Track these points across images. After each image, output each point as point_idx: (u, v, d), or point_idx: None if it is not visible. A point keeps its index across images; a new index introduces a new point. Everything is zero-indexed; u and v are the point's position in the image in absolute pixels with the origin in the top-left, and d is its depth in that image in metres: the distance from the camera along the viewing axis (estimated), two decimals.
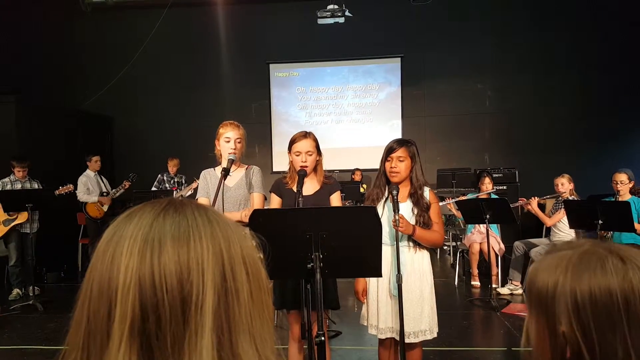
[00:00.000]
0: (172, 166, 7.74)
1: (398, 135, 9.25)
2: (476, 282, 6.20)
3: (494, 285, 5.73)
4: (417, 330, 2.74)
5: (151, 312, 0.56)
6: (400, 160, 2.76)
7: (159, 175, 7.75)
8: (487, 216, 5.32)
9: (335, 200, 3.01)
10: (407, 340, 2.68)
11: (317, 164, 3.00)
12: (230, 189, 3.11)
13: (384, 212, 2.77)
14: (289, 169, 3.02)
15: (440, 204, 5.39)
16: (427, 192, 2.83)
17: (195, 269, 0.58)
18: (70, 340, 0.59)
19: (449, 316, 4.85)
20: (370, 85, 9.76)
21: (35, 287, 5.93)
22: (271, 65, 9.81)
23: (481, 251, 6.13)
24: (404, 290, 2.63)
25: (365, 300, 2.86)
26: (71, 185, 6.37)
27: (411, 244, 2.78)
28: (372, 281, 2.81)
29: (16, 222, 5.94)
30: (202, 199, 3.13)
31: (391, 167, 2.77)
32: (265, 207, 3.12)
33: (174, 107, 9.71)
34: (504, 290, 5.85)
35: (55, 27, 9.10)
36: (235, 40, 9.55)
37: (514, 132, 9.25)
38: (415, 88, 9.57)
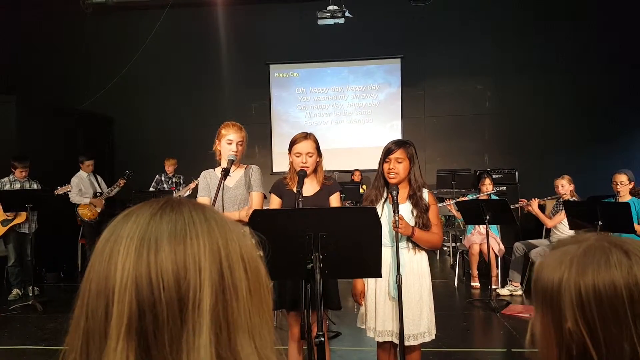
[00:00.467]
0: (169, 166, 7.73)
1: (398, 135, 9.26)
2: (476, 283, 6.19)
3: (493, 286, 5.73)
4: (415, 332, 2.73)
5: (148, 310, 0.56)
6: (399, 162, 2.76)
7: (157, 176, 7.74)
8: (487, 217, 5.31)
9: (335, 201, 3.02)
10: (407, 343, 2.67)
11: (317, 165, 3.00)
12: (230, 188, 3.12)
13: (383, 213, 2.77)
14: (289, 169, 3.02)
15: (440, 204, 5.41)
16: (426, 194, 2.83)
17: (192, 267, 0.58)
18: (69, 340, 0.59)
19: (448, 317, 4.84)
20: (370, 86, 9.77)
21: (35, 287, 5.92)
22: (271, 66, 9.81)
23: (481, 252, 6.12)
24: (403, 292, 2.62)
25: (363, 302, 2.85)
26: (69, 185, 6.37)
27: (410, 245, 2.78)
28: (370, 283, 2.81)
29: (15, 222, 5.94)
30: (203, 199, 3.13)
31: (389, 169, 2.76)
32: (265, 207, 3.12)
33: (174, 107, 9.71)
34: (504, 291, 5.85)
35: (55, 27, 9.11)
36: (235, 40, 9.55)
37: (514, 132, 9.25)
38: (415, 89, 9.57)
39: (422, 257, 2.83)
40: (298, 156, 2.92)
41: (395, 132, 9.49)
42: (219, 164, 3.22)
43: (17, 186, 6.03)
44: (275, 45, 9.59)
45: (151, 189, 7.58)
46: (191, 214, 0.62)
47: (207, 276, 0.58)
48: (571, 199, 5.74)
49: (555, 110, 9.12)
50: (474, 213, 5.50)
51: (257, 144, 9.41)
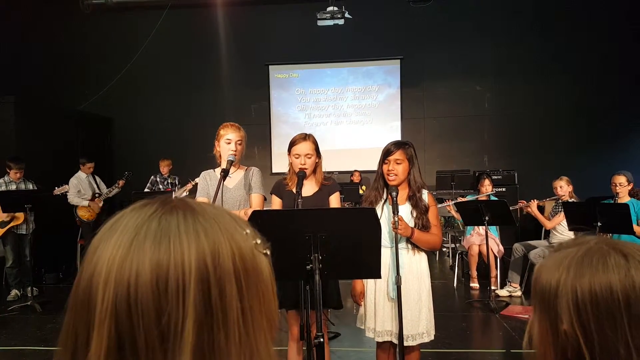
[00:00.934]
0: (164, 167, 7.70)
1: (397, 136, 9.26)
2: (475, 284, 6.20)
3: (492, 287, 5.73)
4: (415, 333, 2.74)
5: (126, 319, 0.52)
6: (398, 163, 2.76)
7: (152, 177, 7.72)
8: (486, 218, 5.32)
9: (334, 201, 3.02)
10: (405, 343, 2.68)
11: (317, 166, 3.00)
12: (229, 190, 3.11)
13: (383, 214, 2.77)
14: (289, 170, 3.02)
15: (440, 205, 5.41)
16: (425, 195, 2.83)
17: (173, 290, 0.53)
18: (61, 341, 0.58)
19: (447, 318, 4.84)
20: (370, 87, 9.77)
21: (34, 288, 5.92)
22: (271, 67, 9.81)
23: (480, 253, 6.13)
24: (402, 293, 2.63)
25: (362, 303, 2.85)
26: (66, 186, 6.36)
27: (409, 246, 2.78)
28: (369, 284, 2.81)
29: (13, 223, 5.94)
30: (201, 199, 3.13)
31: (388, 170, 2.77)
32: (265, 208, 3.12)
33: (174, 108, 9.71)
34: (503, 292, 5.85)
35: (55, 28, 9.10)
36: (235, 41, 9.55)
37: (513, 134, 9.26)
38: (414, 90, 9.58)
39: (422, 258, 2.83)
40: (297, 157, 2.93)
41: (394, 133, 9.50)
42: (219, 165, 3.22)
43: (13, 187, 6.02)
44: (275, 46, 9.59)
45: (146, 190, 7.56)
46: (178, 230, 0.56)
47: (191, 302, 0.53)
48: (570, 200, 5.75)
49: (554, 111, 9.12)
50: (473, 214, 5.51)
51: (257, 145, 9.41)
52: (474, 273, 6.24)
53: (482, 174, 6.90)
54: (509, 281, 5.95)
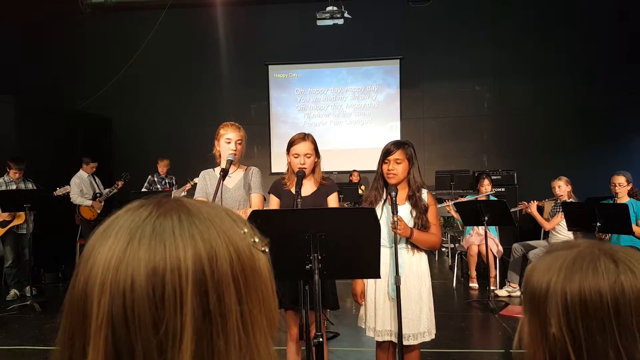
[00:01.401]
0: (162, 167, 7.70)
1: (397, 136, 9.26)
2: (474, 284, 6.20)
3: (492, 287, 5.72)
4: (415, 332, 2.74)
5: (122, 320, 0.51)
6: (398, 162, 2.76)
7: (149, 177, 7.72)
8: (486, 218, 5.32)
9: (333, 201, 3.02)
10: (406, 342, 2.68)
11: (315, 166, 3.00)
12: (229, 189, 3.11)
13: (383, 214, 2.77)
14: (287, 170, 3.02)
15: (439, 206, 5.41)
16: (425, 195, 2.83)
17: (170, 297, 0.52)
18: (58, 341, 0.57)
19: (447, 318, 4.85)
20: (369, 87, 9.77)
21: (33, 288, 5.92)
22: (270, 67, 9.81)
23: (479, 253, 6.13)
24: (402, 292, 2.63)
25: (363, 302, 2.86)
26: (68, 187, 6.36)
27: (409, 246, 2.79)
28: (370, 283, 2.81)
29: (13, 224, 5.94)
30: (200, 199, 3.12)
31: (388, 169, 2.77)
32: (265, 208, 3.12)
33: (173, 107, 9.71)
34: (502, 292, 5.85)
35: (53, 27, 9.09)
36: (234, 41, 9.55)
37: (513, 134, 9.26)
38: (414, 90, 9.58)
39: (422, 258, 2.83)
40: (296, 157, 2.92)
41: (394, 133, 9.50)
42: (219, 165, 3.22)
43: (13, 187, 6.02)
44: (275, 46, 9.59)
45: (144, 190, 7.56)
46: (173, 235, 0.54)
47: (189, 310, 0.52)
48: (569, 200, 5.75)
49: (554, 111, 9.13)
50: (473, 214, 5.51)
51: (256, 145, 9.41)
52: (473, 273, 6.24)
53: (481, 174, 6.90)
54: (508, 281, 5.95)
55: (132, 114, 9.66)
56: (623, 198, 5.18)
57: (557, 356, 0.79)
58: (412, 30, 9.33)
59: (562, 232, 5.72)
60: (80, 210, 6.94)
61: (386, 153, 2.80)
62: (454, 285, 6.37)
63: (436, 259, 7.99)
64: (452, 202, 6.49)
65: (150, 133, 9.51)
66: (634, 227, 4.79)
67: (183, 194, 6.84)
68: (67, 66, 9.43)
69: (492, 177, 6.92)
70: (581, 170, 7.90)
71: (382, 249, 2.41)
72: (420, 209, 2.77)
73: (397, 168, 2.76)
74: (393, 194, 2.65)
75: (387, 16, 9.28)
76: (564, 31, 8.94)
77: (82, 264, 0.56)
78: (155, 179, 7.70)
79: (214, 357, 0.53)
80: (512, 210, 5.85)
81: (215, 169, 3.23)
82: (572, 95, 9.06)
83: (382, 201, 2.82)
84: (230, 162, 3.05)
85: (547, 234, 6.16)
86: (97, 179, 7.25)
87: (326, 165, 3.28)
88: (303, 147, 2.92)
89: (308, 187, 2.97)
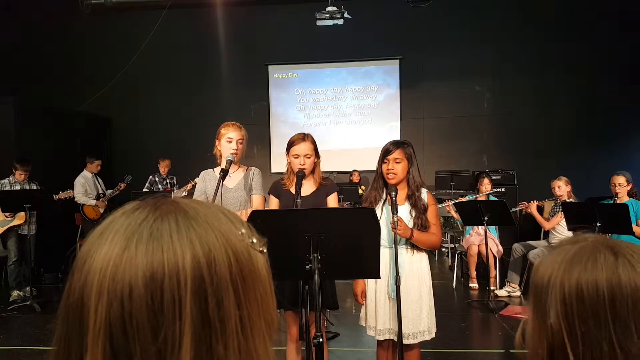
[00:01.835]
0: (164, 167, 7.72)
1: (397, 137, 9.26)
2: (474, 284, 6.20)
3: (492, 288, 5.72)
4: (415, 331, 2.74)
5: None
6: (397, 162, 2.77)
7: (150, 177, 7.73)
8: (486, 218, 5.32)
9: (333, 201, 3.01)
10: (406, 341, 2.69)
11: (315, 166, 3.00)
12: (230, 190, 3.11)
13: (382, 214, 2.78)
14: (287, 170, 3.02)
15: (439, 205, 5.41)
16: (424, 194, 2.84)
17: (169, 303, 0.51)
18: (55, 342, 0.55)
19: (447, 318, 4.84)
20: (369, 87, 9.77)
21: (33, 288, 5.92)
22: (270, 67, 9.82)
23: (479, 253, 6.13)
24: (403, 292, 2.63)
25: (364, 302, 2.86)
26: (71, 191, 6.37)
27: (409, 245, 2.79)
28: (370, 283, 2.82)
29: (13, 223, 5.94)
30: (198, 199, 3.12)
31: (388, 169, 2.77)
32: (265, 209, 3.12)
33: (173, 108, 9.71)
34: (502, 293, 5.85)
35: (54, 28, 9.10)
36: (235, 41, 9.55)
37: (513, 134, 9.26)
38: (413, 90, 9.58)
39: (422, 257, 2.84)
40: (296, 157, 2.92)
41: (394, 133, 9.50)
42: (219, 165, 3.21)
43: (17, 188, 6.04)
44: (274, 46, 9.59)
45: (145, 190, 7.56)
46: (171, 239, 0.53)
47: (188, 307, 0.51)
48: (569, 200, 5.75)
49: (554, 111, 9.13)
50: (473, 214, 5.51)
51: (256, 145, 9.41)
52: (473, 273, 6.24)
53: (481, 174, 6.90)
54: (508, 281, 5.95)
55: (132, 114, 9.67)
56: (623, 198, 5.18)
57: (555, 347, 0.80)
58: (412, 31, 9.33)
59: (562, 232, 5.72)
60: (84, 209, 6.97)
61: (385, 153, 2.80)
62: (454, 285, 6.37)
63: (436, 259, 7.99)
64: (452, 202, 6.49)
65: (150, 133, 9.51)
66: (634, 227, 4.79)
67: (184, 194, 6.85)
68: (67, 66, 9.44)
69: (492, 177, 6.92)
70: (581, 170, 7.91)
71: (382, 249, 2.41)
72: (419, 209, 2.77)
73: (397, 167, 2.76)
74: (393, 194, 2.66)
75: (386, 16, 9.28)
76: (564, 31, 8.94)
77: (77, 270, 0.54)
78: (157, 179, 7.71)
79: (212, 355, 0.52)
80: (512, 210, 5.84)
81: (214, 169, 3.23)
82: (572, 95, 9.06)
83: (382, 201, 2.82)
84: (230, 162, 3.05)
85: (547, 234, 6.16)
86: (100, 180, 7.28)
87: (326, 166, 3.28)
88: (303, 148, 2.92)
89: (308, 187, 2.97)
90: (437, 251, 7.91)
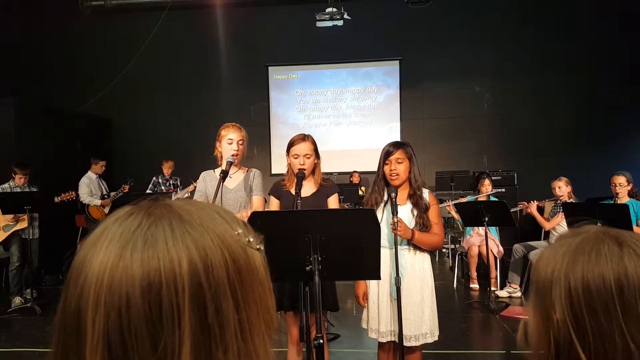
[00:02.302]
0: (167, 168, 7.74)
1: (397, 137, 9.27)
2: (475, 285, 6.19)
3: (492, 288, 5.73)
4: (417, 333, 2.73)
5: (117, 327, 0.50)
6: (399, 162, 2.77)
7: (154, 178, 7.75)
8: (486, 219, 5.32)
9: (333, 202, 3.01)
10: (408, 344, 2.68)
11: (315, 167, 3.00)
12: (230, 191, 3.10)
13: (384, 215, 2.77)
14: (287, 171, 3.02)
15: (440, 206, 5.41)
16: (426, 194, 2.83)
17: (167, 313, 0.51)
18: (54, 344, 0.55)
19: (447, 319, 4.83)
20: (369, 88, 9.77)
21: (33, 290, 5.90)
22: (270, 68, 9.82)
23: (480, 254, 6.13)
24: (404, 294, 2.63)
25: (365, 304, 2.85)
26: (73, 192, 6.37)
27: (411, 246, 2.78)
28: (372, 285, 2.81)
29: (16, 228, 5.93)
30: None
31: (390, 170, 2.77)
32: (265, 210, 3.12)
33: (173, 109, 9.71)
34: (503, 293, 5.85)
35: (54, 30, 9.11)
36: (235, 42, 9.56)
37: (513, 134, 9.26)
38: (414, 90, 9.58)
39: (424, 258, 2.83)
40: (296, 158, 2.92)
41: (394, 134, 9.50)
42: (220, 166, 3.21)
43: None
44: (274, 47, 9.60)
45: (148, 191, 7.58)
46: (166, 245, 0.53)
47: (186, 315, 0.50)
48: (569, 201, 5.75)
49: (554, 112, 9.13)
50: (473, 215, 5.51)
51: (256, 146, 9.41)
52: (474, 274, 6.24)
53: (482, 174, 6.90)
54: (508, 282, 5.95)
55: (132, 116, 9.67)
56: (623, 198, 5.18)
57: (561, 343, 0.78)
58: (412, 31, 9.34)
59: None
60: (89, 209, 6.99)
61: (387, 154, 2.80)
62: (455, 286, 6.37)
63: (437, 259, 7.98)
64: (453, 203, 6.48)
65: (150, 134, 9.52)
66: (635, 228, 4.79)
67: (186, 195, 6.86)
68: (67, 68, 9.45)
69: (492, 178, 6.92)
70: (581, 171, 7.90)
71: (383, 251, 2.40)
72: (421, 208, 2.77)
73: (399, 168, 2.76)
74: (393, 195, 2.66)
75: (386, 17, 9.28)
76: (564, 31, 8.95)
77: (72, 281, 0.54)
78: (160, 180, 7.74)
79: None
80: (512, 210, 5.84)
81: (215, 170, 3.23)
82: (572, 95, 9.06)
83: (383, 203, 2.82)
84: (230, 164, 3.05)
85: (547, 235, 6.16)
86: (103, 182, 7.32)
87: (326, 167, 3.27)
88: (303, 148, 2.92)
89: (308, 188, 2.97)
90: (437, 252, 7.91)
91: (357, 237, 2.12)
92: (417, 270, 2.78)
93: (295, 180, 2.85)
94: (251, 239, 0.59)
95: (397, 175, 2.76)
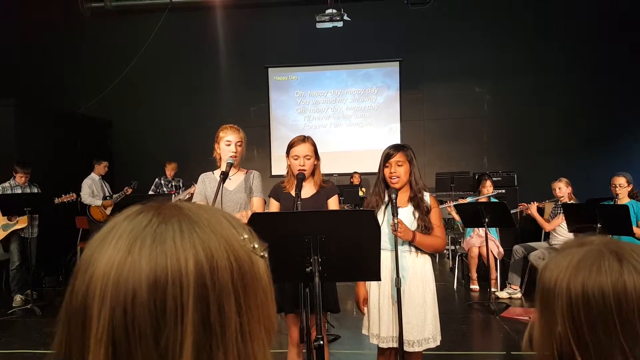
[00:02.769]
0: (170, 170, 7.77)
1: (397, 139, 9.28)
2: (475, 286, 6.19)
3: (492, 289, 5.72)
4: (420, 338, 2.69)
5: (122, 325, 0.51)
6: (399, 165, 2.76)
7: (156, 179, 7.77)
8: (486, 220, 5.32)
9: (333, 204, 3.01)
10: (411, 349, 2.65)
11: (315, 168, 3.00)
12: (230, 192, 3.10)
13: (385, 217, 2.76)
14: (287, 172, 3.02)
15: (440, 207, 5.40)
16: (427, 197, 2.83)
17: (172, 310, 0.51)
18: (56, 345, 0.55)
19: (447, 320, 4.83)
20: (369, 89, 9.78)
21: (33, 291, 5.91)
22: (270, 69, 9.82)
23: (480, 255, 6.12)
24: (406, 296, 2.61)
25: (365, 309, 2.82)
26: (74, 194, 6.38)
27: (412, 248, 2.76)
28: (373, 288, 2.79)
29: (16, 227, 5.93)
30: (199, 203, 3.12)
31: (391, 173, 2.76)
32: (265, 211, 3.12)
33: (173, 110, 9.72)
34: (503, 294, 5.85)
35: (54, 31, 9.11)
36: (234, 44, 9.57)
37: (513, 135, 9.27)
38: (413, 91, 9.58)
39: (426, 261, 2.81)
40: (296, 159, 2.92)
41: (394, 135, 9.50)
42: (219, 168, 3.21)
43: (18, 191, 6.04)
44: (274, 48, 9.61)
45: (150, 193, 7.60)
46: (174, 245, 0.53)
47: (190, 313, 0.51)
48: (569, 202, 5.75)
49: (554, 112, 9.13)
50: (473, 216, 5.51)
51: (256, 147, 9.42)
52: (474, 275, 6.23)
53: (483, 175, 6.90)
54: (509, 283, 5.95)
55: (132, 117, 9.67)
56: (623, 199, 5.18)
57: (564, 354, 0.79)
58: (412, 32, 9.35)
59: (562, 233, 5.72)
60: (91, 210, 7.00)
61: (387, 157, 2.79)
62: (455, 287, 6.36)
63: (437, 261, 7.97)
64: (453, 204, 6.48)
65: (151, 136, 9.52)
66: (635, 229, 4.79)
67: (187, 196, 6.87)
68: (68, 69, 9.45)
69: (493, 179, 6.92)
70: (581, 171, 7.91)
71: (384, 253, 2.39)
72: (422, 210, 2.76)
73: (399, 170, 2.76)
74: (393, 196, 2.65)
75: (386, 18, 9.29)
76: (564, 31, 8.95)
77: (80, 274, 0.54)
78: (162, 181, 7.76)
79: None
80: (512, 211, 5.84)
81: (214, 172, 3.23)
82: (572, 95, 9.07)
83: (384, 205, 2.81)
84: (230, 165, 3.04)
85: (548, 236, 6.15)
86: (106, 183, 7.33)
87: (326, 168, 3.28)
88: (302, 149, 2.92)
89: (308, 190, 2.97)
90: (437, 253, 7.90)
91: (357, 238, 2.12)
92: (418, 273, 2.76)
93: (295, 181, 2.85)
94: (256, 246, 0.59)
95: (398, 177, 2.75)
